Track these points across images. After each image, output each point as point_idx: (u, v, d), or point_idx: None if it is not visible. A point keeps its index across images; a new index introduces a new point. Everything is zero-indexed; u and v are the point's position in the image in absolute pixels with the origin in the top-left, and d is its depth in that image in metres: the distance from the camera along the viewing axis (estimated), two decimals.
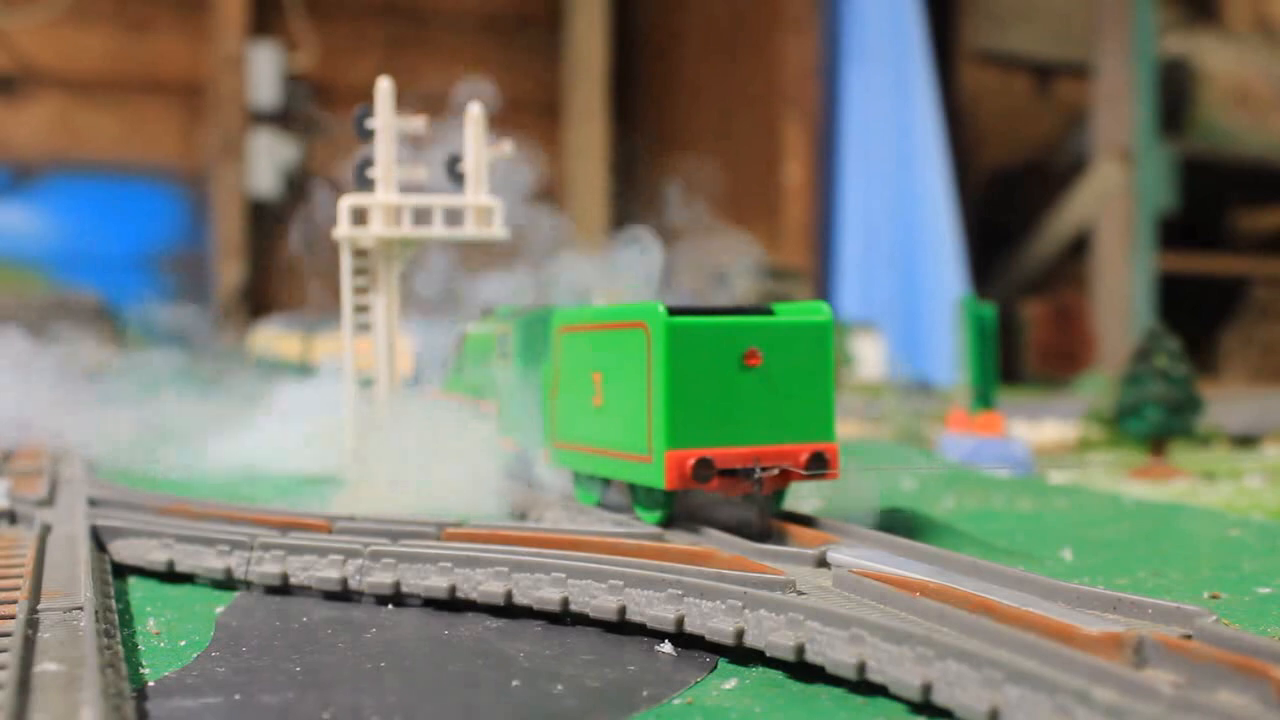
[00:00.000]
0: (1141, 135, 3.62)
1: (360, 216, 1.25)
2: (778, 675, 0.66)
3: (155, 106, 3.81)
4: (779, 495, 0.94)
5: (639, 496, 0.93)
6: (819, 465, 0.88)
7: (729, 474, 0.86)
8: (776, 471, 0.87)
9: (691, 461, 0.85)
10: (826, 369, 0.90)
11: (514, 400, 1.10)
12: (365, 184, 1.25)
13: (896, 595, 0.67)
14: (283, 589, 0.85)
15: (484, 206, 1.25)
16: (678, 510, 0.92)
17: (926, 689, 0.57)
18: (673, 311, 0.86)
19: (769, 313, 0.90)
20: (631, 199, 3.96)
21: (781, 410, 0.88)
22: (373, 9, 4.06)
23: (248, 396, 1.55)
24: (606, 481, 0.98)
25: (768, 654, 0.65)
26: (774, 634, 0.65)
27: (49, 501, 1.04)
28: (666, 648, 0.70)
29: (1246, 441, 1.78)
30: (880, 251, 3.65)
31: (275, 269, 3.77)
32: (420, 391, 1.35)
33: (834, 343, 0.90)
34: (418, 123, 1.26)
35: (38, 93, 3.70)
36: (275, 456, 1.35)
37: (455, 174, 1.25)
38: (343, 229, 1.24)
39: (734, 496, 0.90)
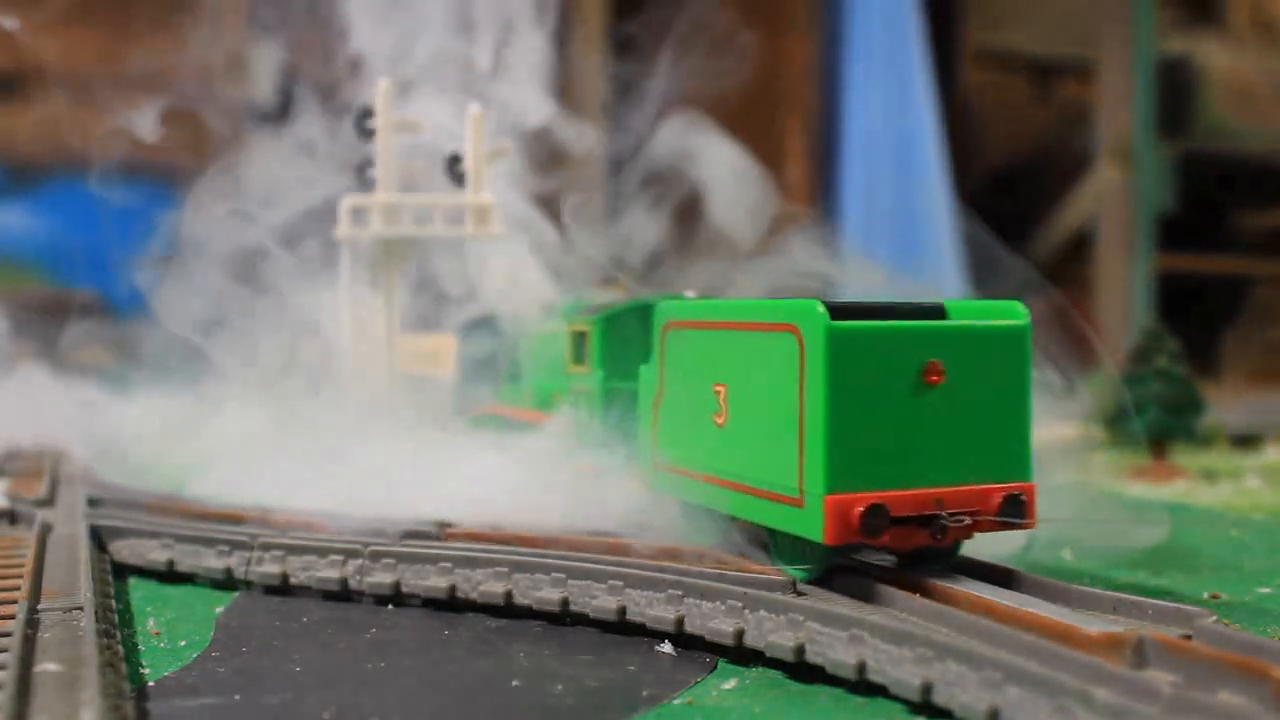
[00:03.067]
0: (1141, 135, 3.61)
1: (360, 216, 1.25)
2: (778, 675, 0.66)
3: (156, 106, 3.81)
4: (955, 546, 0.74)
5: (779, 545, 0.74)
6: (1015, 511, 0.69)
7: (903, 522, 0.67)
8: (968, 521, 0.69)
9: (860, 509, 0.66)
10: (1023, 387, 0.71)
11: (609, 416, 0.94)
12: (366, 184, 1.25)
13: (896, 595, 0.67)
14: (283, 589, 0.85)
15: (483, 205, 1.25)
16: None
17: (926, 689, 0.57)
18: (836, 312, 0.67)
19: (943, 314, 0.72)
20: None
21: (968, 440, 0.70)
22: None
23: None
24: (730, 518, 0.79)
25: (768, 654, 0.65)
26: (774, 634, 0.65)
27: (49, 501, 1.04)
28: (666, 648, 0.70)
29: (1246, 441, 1.77)
30: (880, 251, 3.65)
31: None
32: (471, 403, 1.21)
33: (1031, 353, 0.72)
34: (418, 122, 1.26)
35: (38, 93, 3.70)
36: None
37: (455, 173, 1.25)
38: (343, 229, 1.24)
39: (907, 551, 0.71)
